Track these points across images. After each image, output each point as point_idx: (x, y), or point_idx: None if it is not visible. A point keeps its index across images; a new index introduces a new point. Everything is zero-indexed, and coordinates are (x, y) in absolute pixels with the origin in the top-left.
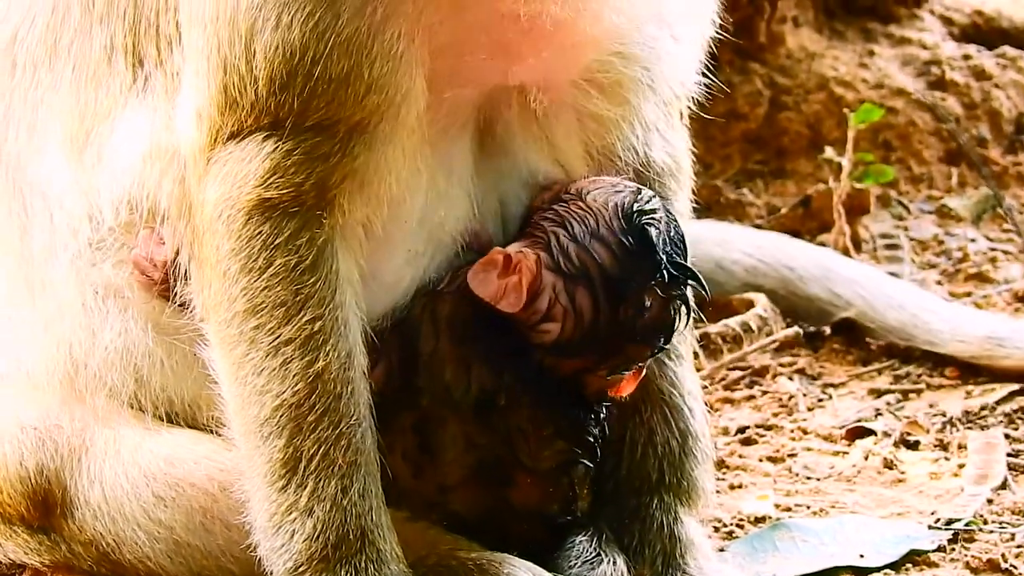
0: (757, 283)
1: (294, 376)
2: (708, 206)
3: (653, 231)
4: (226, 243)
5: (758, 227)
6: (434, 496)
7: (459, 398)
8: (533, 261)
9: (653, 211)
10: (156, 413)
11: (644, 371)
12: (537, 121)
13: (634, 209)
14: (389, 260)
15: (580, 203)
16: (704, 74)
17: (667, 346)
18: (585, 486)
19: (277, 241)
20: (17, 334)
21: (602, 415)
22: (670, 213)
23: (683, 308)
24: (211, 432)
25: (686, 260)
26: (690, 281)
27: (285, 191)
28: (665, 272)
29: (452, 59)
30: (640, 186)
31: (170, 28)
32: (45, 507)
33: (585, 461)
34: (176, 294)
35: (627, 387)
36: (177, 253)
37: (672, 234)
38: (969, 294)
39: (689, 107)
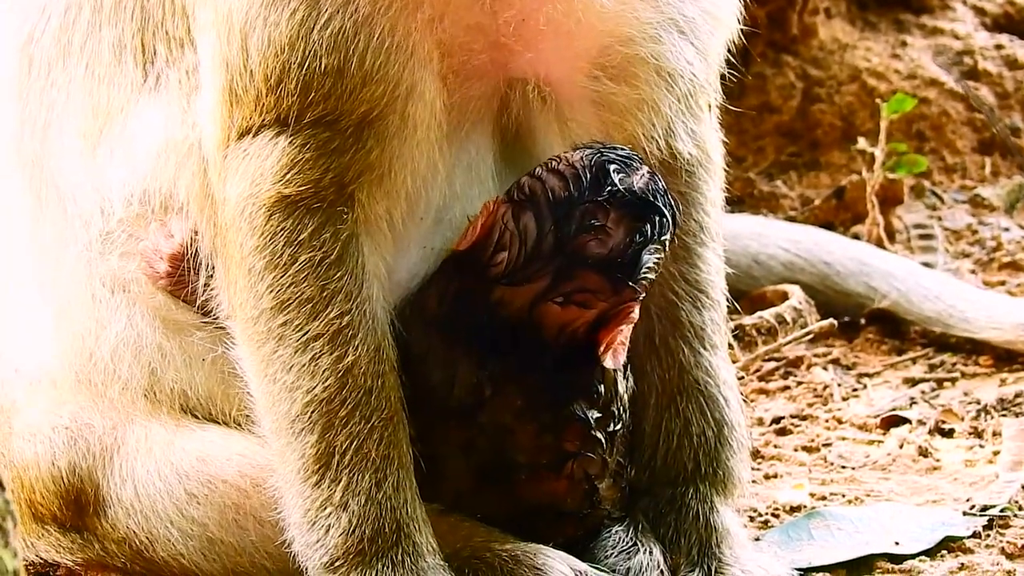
0: (794, 278)
1: (324, 371)
2: (742, 199)
3: (612, 166)
4: (250, 240)
5: (792, 219)
6: (451, 502)
7: (448, 401)
8: (492, 202)
9: (625, 157)
10: (172, 406)
11: (625, 328)
12: (555, 115)
13: (601, 151)
14: (404, 257)
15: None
16: (736, 67)
17: (631, 282)
18: (603, 479)
19: (301, 237)
20: (38, 329)
21: (614, 406)
22: (653, 172)
23: (644, 239)
24: (229, 425)
25: (658, 201)
26: (654, 214)
27: (304, 187)
28: (615, 194)
29: (459, 56)
30: (623, 148)
31: (179, 29)
32: (78, 506)
33: (589, 454)
34: (190, 288)
35: (608, 342)
36: (193, 247)
37: (642, 175)
38: (1003, 283)
39: (721, 100)
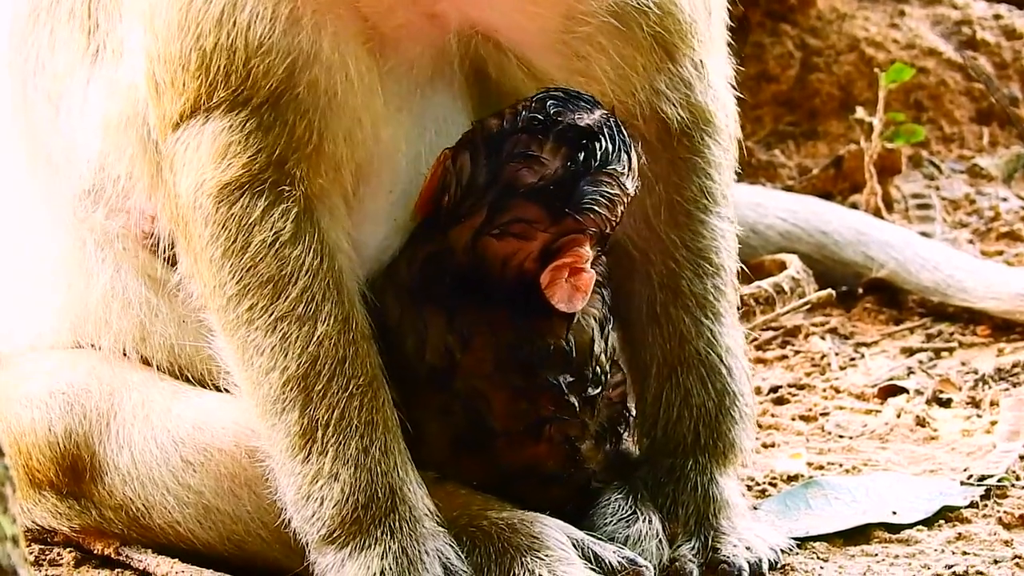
0: (792, 247)
1: (295, 349)
2: (740, 168)
3: (551, 101)
4: (205, 230)
5: (790, 189)
6: (434, 472)
7: (422, 368)
8: (441, 153)
9: (573, 96)
10: (162, 362)
11: (586, 274)
12: (522, 70)
13: (548, 91)
14: (373, 231)
15: None
16: (733, 36)
17: (570, 210)
18: (584, 441)
19: (251, 220)
20: (36, 291)
21: (588, 369)
22: (609, 114)
23: (577, 166)
24: (220, 385)
25: (599, 131)
26: (591, 141)
27: (242, 171)
28: (549, 124)
29: (373, 18)
30: (580, 92)
31: (111, 4)
32: (74, 472)
33: (565, 417)
34: (163, 252)
35: (552, 276)
36: (156, 219)
37: (589, 112)
38: (1001, 252)
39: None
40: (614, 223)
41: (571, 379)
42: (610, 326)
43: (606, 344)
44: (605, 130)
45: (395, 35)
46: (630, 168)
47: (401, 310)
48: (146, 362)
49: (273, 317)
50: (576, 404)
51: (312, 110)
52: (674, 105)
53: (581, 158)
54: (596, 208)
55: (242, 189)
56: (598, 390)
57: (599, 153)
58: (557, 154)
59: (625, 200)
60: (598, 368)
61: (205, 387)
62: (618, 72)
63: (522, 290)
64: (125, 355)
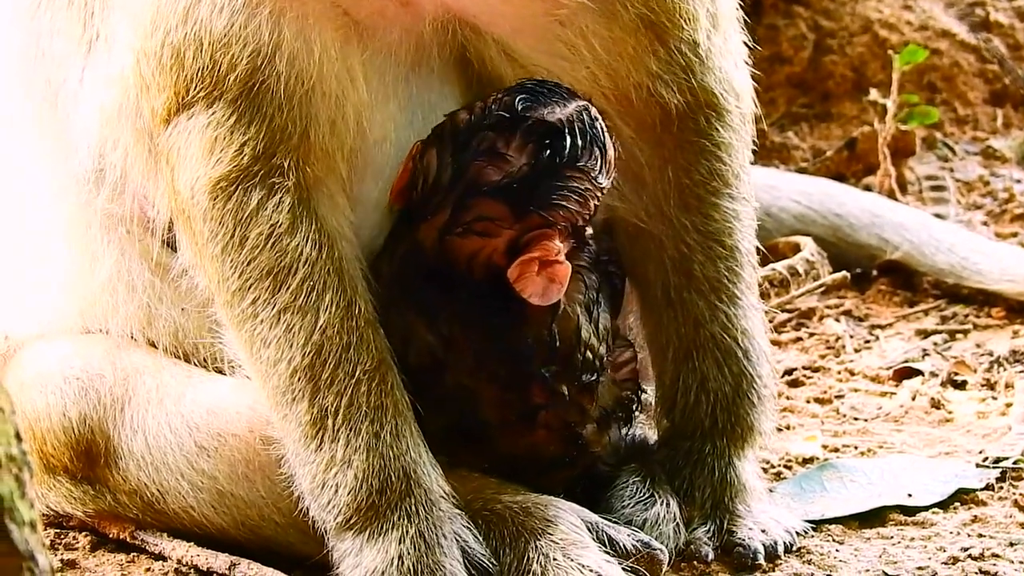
0: (806, 230)
1: (299, 339)
2: (753, 150)
3: (521, 95)
4: (204, 227)
5: (803, 170)
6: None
7: (407, 365)
8: (413, 145)
9: (546, 89)
10: (166, 346)
11: (560, 267)
12: (504, 52)
13: (522, 85)
14: (366, 217)
15: None
16: (747, 18)
17: (534, 207)
18: (584, 426)
19: (247, 214)
20: (44, 276)
21: (576, 357)
22: (585, 108)
23: (540, 163)
24: (223, 369)
25: (566, 127)
26: (557, 139)
27: (230, 166)
28: (515, 121)
29: (354, 2)
30: (554, 83)
31: None
32: (88, 457)
33: (558, 405)
34: (162, 235)
35: (519, 270)
36: (154, 204)
37: (561, 106)
38: (1015, 234)
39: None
40: (587, 216)
41: (557, 369)
42: (599, 309)
43: (596, 328)
44: (576, 125)
45: (370, 22)
46: (603, 162)
47: (385, 308)
48: (152, 345)
49: (276, 309)
50: (567, 392)
51: (287, 100)
52: (672, 88)
53: (547, 155)
54: (564, 204)
55: (234, 184)
56: (593, 376)
57: (567, 150)
58: (523, 151)
59: (599, 194)
60: (588, 353)
61: (209, 369)
62: (605, 55)
63: (496, 285)
64: (132, 339)
